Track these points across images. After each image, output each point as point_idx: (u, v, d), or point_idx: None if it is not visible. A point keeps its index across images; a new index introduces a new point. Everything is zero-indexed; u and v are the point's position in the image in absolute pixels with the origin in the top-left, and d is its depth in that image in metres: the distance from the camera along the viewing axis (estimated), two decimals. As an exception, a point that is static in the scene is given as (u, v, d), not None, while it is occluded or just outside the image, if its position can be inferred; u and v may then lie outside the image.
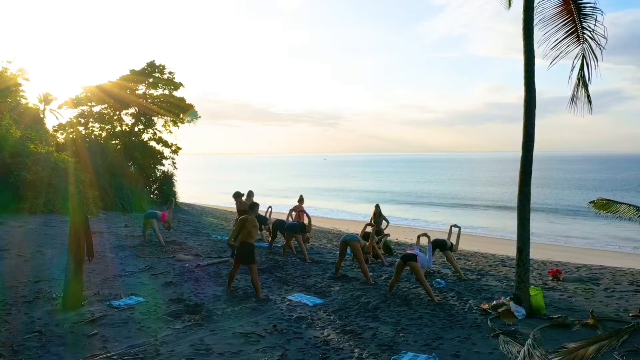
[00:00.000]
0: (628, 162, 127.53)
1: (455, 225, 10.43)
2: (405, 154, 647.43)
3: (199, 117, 29.40)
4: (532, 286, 7.53)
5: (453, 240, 10.32)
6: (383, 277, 9.48)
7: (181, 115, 28.95)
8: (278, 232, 12.55)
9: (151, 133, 28.13)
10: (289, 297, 7.93)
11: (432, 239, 9.17)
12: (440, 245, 9.67)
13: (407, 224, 30.90)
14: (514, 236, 7.59)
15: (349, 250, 9.59)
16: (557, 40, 7.86)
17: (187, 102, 28.85)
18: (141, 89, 28.00)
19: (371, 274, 9.54)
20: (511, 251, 18.79)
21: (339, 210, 39.67)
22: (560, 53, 7.83)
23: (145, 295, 7.87)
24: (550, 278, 9.92)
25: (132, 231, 14.33)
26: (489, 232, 25.58)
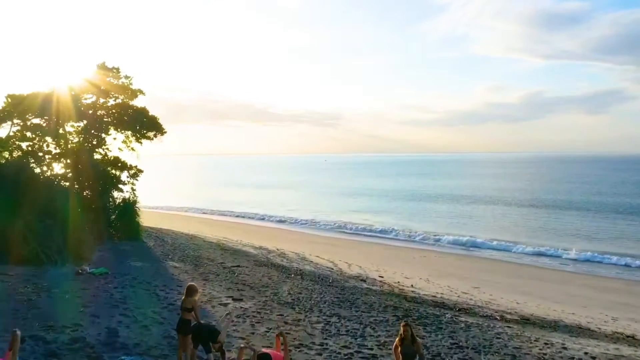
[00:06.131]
0: (629, 163, 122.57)
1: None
2: (405, 154, 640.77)
3: (165, 132, 23.74)
4: None
5: None
6: None
7: (144, 131, 23.38)
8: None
9: (102, 154, 22.47)
10: None
11: None
12: None
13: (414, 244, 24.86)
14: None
15: None
16: None
17: (151, 113, 23.30)
18: (90, 97, 22.35)
19: None
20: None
21: (339, 223, 37.13)
22: None
23: None
24: None
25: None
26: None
